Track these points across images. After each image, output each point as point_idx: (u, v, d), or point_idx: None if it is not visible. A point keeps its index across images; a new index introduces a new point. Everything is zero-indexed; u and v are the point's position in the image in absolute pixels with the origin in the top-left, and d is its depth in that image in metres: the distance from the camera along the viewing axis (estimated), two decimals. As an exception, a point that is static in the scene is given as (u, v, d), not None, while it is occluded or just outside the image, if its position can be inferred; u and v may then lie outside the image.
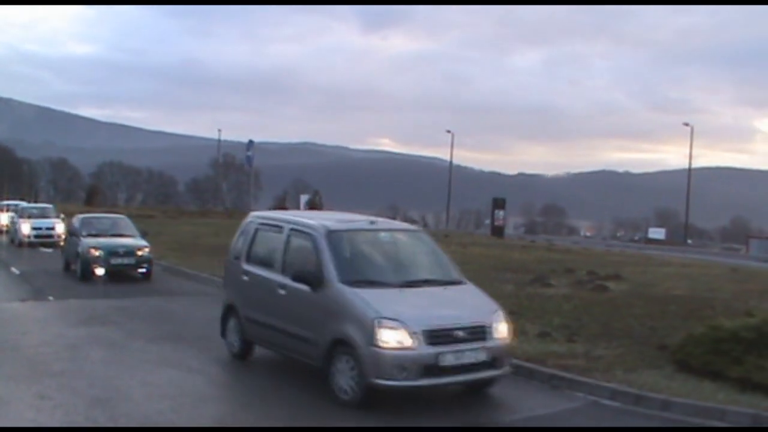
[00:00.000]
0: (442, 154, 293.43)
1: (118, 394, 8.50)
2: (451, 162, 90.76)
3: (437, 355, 7.90)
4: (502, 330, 8.54)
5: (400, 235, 10.11)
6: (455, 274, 9.45)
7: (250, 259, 10.31)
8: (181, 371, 9.76)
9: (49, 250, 28.14)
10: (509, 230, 72.95)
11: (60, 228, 30.42)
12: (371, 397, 8.01)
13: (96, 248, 19.51)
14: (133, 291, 17.59)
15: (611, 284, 17.40)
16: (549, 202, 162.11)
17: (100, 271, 19.13)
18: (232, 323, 10.51)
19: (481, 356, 8.22)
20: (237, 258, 10.60)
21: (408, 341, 7.85)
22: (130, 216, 26.01)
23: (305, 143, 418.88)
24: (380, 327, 7.86)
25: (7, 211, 39.46)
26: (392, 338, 7.85)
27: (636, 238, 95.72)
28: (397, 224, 11.30)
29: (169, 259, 23.63)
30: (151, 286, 18.90)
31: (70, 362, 10.12)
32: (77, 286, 18.53)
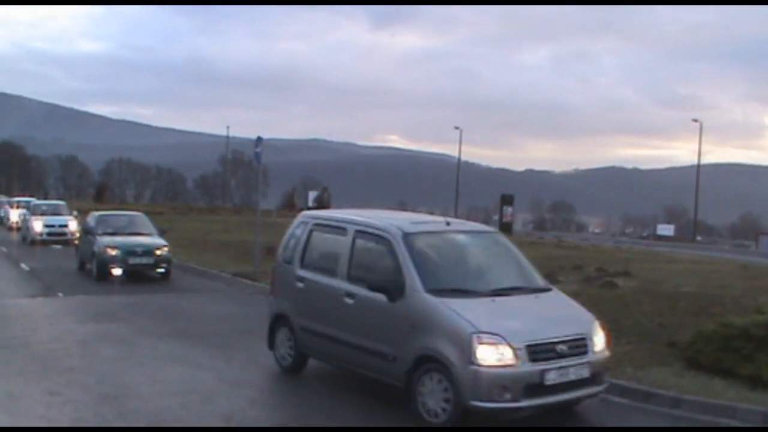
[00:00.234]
0: (450, 150, 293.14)
1: (128, 391, 8.51)
2: (459, 158, 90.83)
3: (542, 373, 7.14)
4: (599, 342, 7.87)
5: (477, 237, 9.24)
6: (541, 280, 8.74)
7: (305, 264, 9.41)
8: (190, 368, 9.77)
9: (59, 247, 28.21)
10: (518, 227, 72.93)
11: (73, 225, 29.96)
12: (466, 420, 7.19)
13: (113, 247, 18.84)
14: (142, 288, 17.60)
15: (620, 281, 17.32)
16: (557, 198, 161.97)
17: (117, 272, 18.69)
18: (282, 334, 9.64)
19: (584, 372, 7.48)
20: (288, 262, 9.68)
21: (510, 358, 7.06)
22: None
23: (313, 140, 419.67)
24: (479, 343, 7.04)
25: (18, 207, 39.53)
26: (493, 355, 7.03)
27: (645, 234, 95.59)
28: (472, 225, 10.26)
29: (179, 256, 23.64)
30: (161, 283, 18.93)
31: (79, 359, 10.15)
32: (86, 283, 18.57)
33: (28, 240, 30.41)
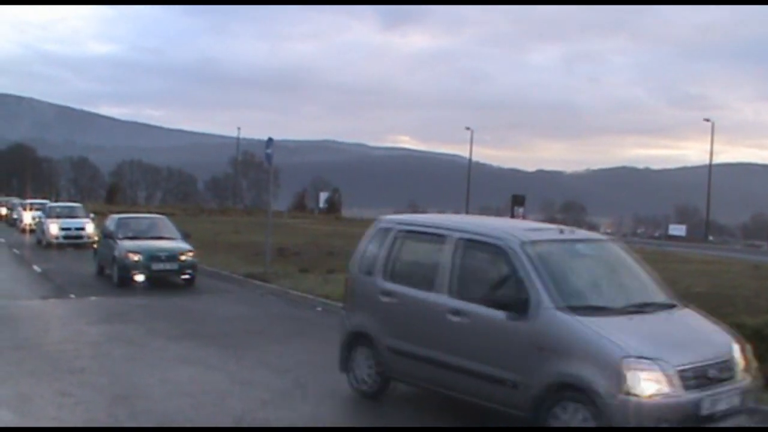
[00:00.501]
0: (460, 151, 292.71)
1: (139, 391, 8.55)
2: (470, 159, 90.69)
3: (699, 402, 6.33)
4: (742, 364, 6.98)
5: (594, 246, 8.30)
6: (666, 294, 7.74)
7: (393, 276, 8.34)
8: (201, 369, 9.79)
9: (72, 250, 28.15)
10: (528, 227, 72.44)
11: (90, 228, 29.27)
12: None
13: (135, 252, 17.92)
14: (153, 289, 17.66)
15: (632, 281, 17.23)
16: (569, 198, 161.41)
17: (140, 278, 17.86)
18: (362, 355, 8.52)
19: (735, 399, 6.67)
20: (369, 273, 8.57)
21: (665, 386, 6.22)
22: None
23: (324, 141, 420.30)
24: (630, 369, 6.19)
25: (31, 209, 39.54)
26: (646, 383, 6.18)
27: (656, 234, 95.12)
28: (585, 233, 9.25)
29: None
30: (174, 285, 18.92)
31: (91, 359, 10.18)
32: (97, 284, 18.64)
33: (43, 243, 29.68)
